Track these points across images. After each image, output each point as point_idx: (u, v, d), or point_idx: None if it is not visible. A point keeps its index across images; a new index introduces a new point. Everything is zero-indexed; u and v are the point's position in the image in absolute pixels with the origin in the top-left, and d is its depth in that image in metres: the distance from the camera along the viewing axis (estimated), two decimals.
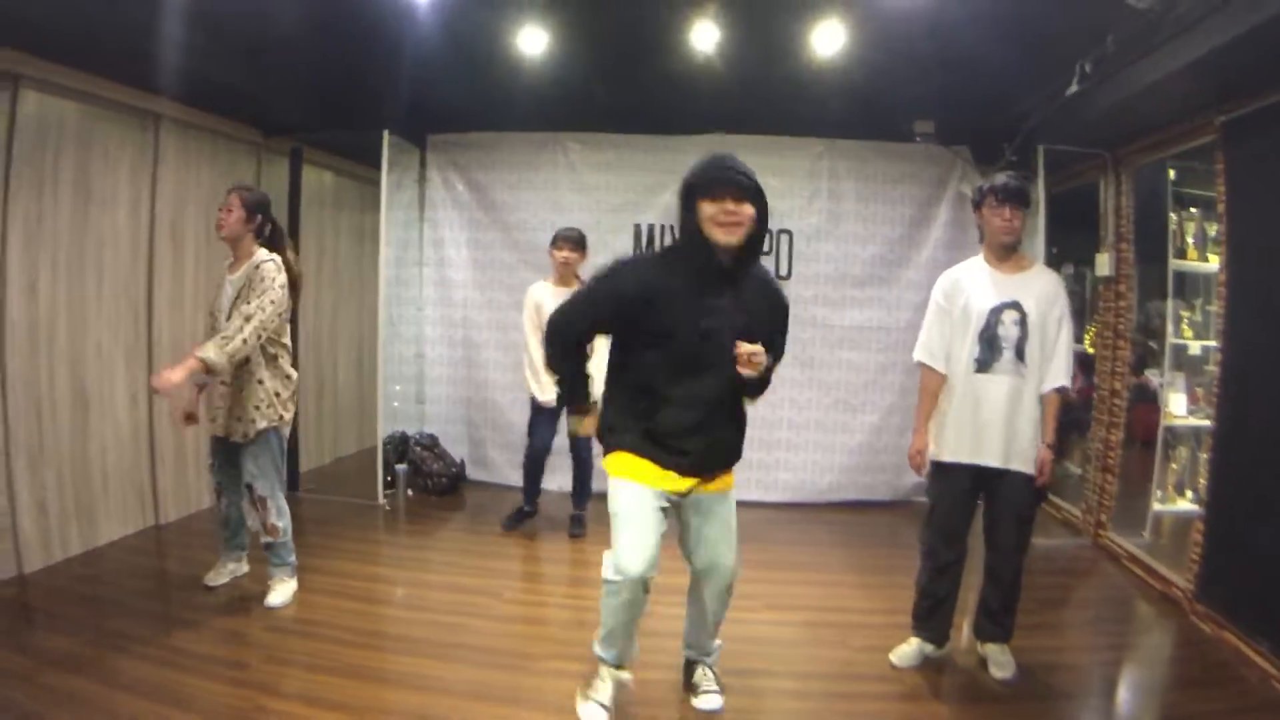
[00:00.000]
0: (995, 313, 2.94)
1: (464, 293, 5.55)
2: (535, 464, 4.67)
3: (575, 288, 4.44)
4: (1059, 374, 2.92)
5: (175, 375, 3.01)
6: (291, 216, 5.20)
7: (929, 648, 3.13)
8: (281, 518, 3.49)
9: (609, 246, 5.33)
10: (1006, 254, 3.00)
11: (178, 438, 4.48)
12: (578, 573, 4.14)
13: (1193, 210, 4.45)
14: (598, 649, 2.64)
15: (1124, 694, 3.15)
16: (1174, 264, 4.29)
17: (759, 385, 2.53)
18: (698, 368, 2.43)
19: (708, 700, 2.76)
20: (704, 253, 2.38)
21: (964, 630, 3.31)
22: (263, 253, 3.40)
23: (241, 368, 3.32)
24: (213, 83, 4.18)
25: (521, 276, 5.34)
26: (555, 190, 5.41)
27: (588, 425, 2.74)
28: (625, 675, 2.68)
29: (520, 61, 4.36)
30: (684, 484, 2.53)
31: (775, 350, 2.53)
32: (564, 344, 2.63)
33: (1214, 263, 4.41)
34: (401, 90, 4.73)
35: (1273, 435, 3.23)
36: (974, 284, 3.00)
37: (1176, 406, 4.36)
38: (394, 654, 3.15)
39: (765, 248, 5.26)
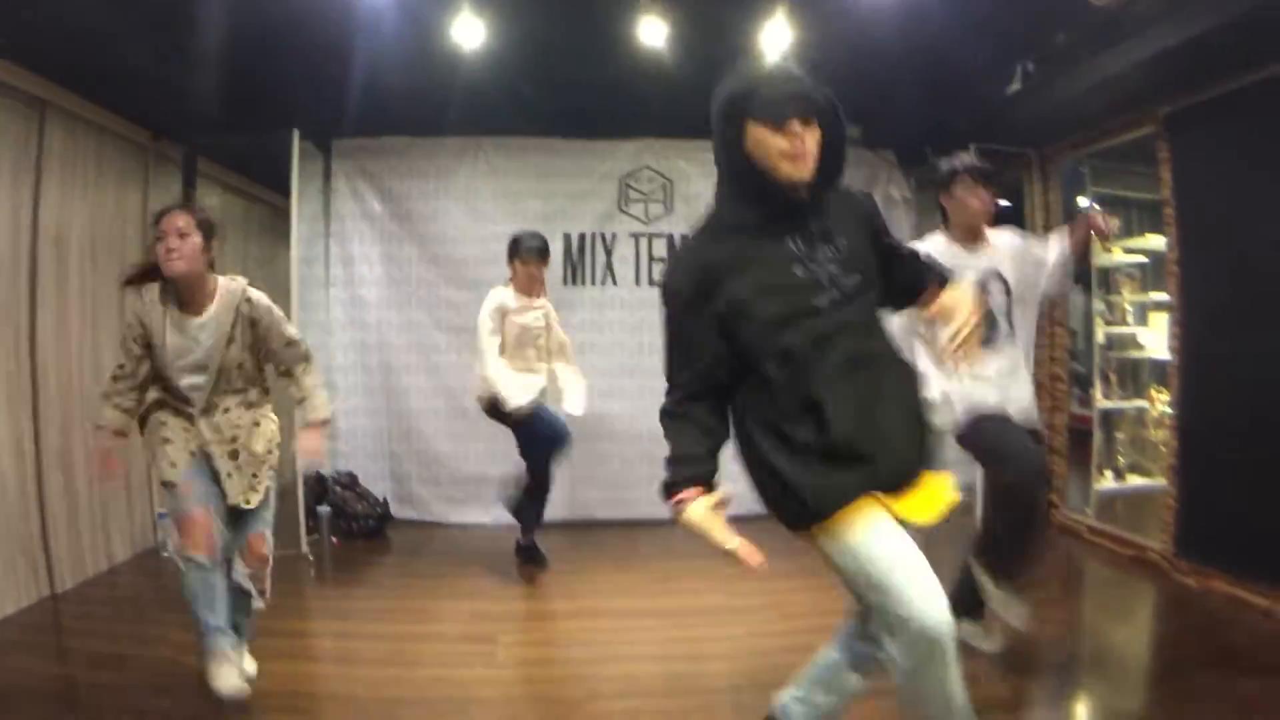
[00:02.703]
0: (983, 285, 2.85)
1: (379, 313, 5.09)
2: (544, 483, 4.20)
3: (542, 299, 4.17)
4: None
5: (319, 444, 2.96)
6: None
7: None
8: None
9: None
10: (976, 234, 2.95)
11: (69, 490, 3.79)
12: (553, 606, 3.89)
13: (1095, 207, 4.82)
14: None
15: (1139, 651, 3.31)
16: (1096, 259, 4.61)
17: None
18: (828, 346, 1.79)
19: None
20: (770, 195, 1.80)
21: None
22: (226, 280, 2.76)
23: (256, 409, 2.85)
24: (106, 64, 3.55)
25: (443, 294, 5.01)
26: (477, 199, 5.08)
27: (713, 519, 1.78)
28: None
29: (437, 59, 4.01)
30: (897, 505, 1.77)
31: (908, 263, 2.01)
32: (691, 412, 1.86)
33: (1118, 255, 4.83)
34: (308, 88, 4.24)
35: (1227, 401, 3.58)
36: (954, 263, 2.82)
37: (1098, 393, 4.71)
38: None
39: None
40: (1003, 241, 2.99)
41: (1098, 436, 4.72)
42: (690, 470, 1.81)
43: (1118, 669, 3.10)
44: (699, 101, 4.72)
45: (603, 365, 5.13)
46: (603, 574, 4.29)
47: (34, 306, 3.63)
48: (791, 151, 1.73)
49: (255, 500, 2.75)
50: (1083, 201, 4.82)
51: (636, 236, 5.22)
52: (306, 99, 4.33)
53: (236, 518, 2.75)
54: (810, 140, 1.75)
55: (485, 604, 3.85)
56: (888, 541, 1.72)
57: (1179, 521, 3.81)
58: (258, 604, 2.87)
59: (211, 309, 2.70)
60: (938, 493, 1.82)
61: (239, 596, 2.76)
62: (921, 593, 1.67)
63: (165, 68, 3.75)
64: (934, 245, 2.92)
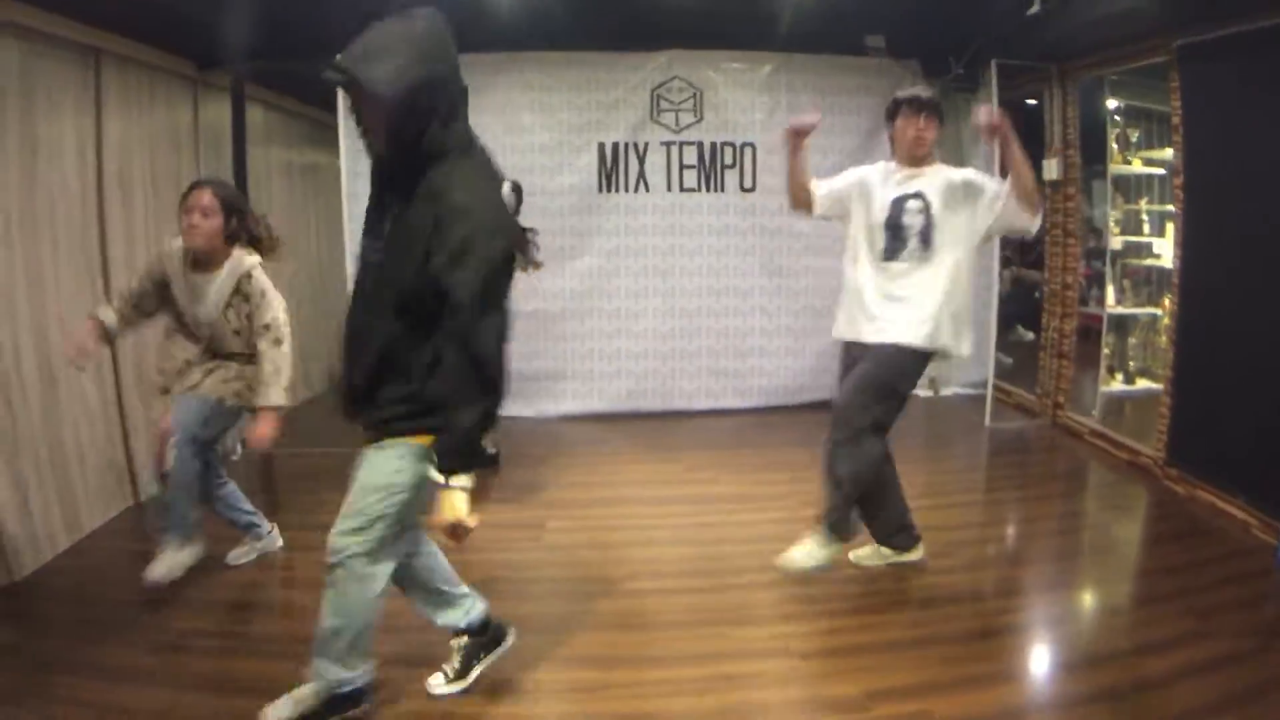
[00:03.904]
0: (898, 203, 2.99)
1: None
2: None
3: None
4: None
5: (269, 431, 2.98)
6: (237, 160, 4.81)
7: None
8: (191, 495, 3.19)
9: (572, 167, 5.32)
10: (917, 161, 3.03)
11: (147, 408, 4.12)
12: (593, 493, 4.22)
13: (1116, 119, 4.90)
14: None
15: (1116, 550, 3.61)
16: (1113, 168, 4.73)
17: None
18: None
19: None
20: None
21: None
22: (240, 254, 3.06)
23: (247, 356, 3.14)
24: (151, 7, 3.71)
25: None
26: (514, 111, 5.24)
27: None
28: None
29: None
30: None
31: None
32: None
33: (1137, 166, 4.93)
34: (346, 8, 4.38)
35: (1226, 319, 3.75)
36: (880, 178, 3.08)
37: (1109, 298, 4.89)
38: None
39: (729, 160, 5.41)
40: (940, 172, 3.03)
41: (1107, 340, 4.93)
42: None
43: (1092, 568, 3.42)
44: (727, 13, 4.85)
45: (635, 267, 5.47)
46: (637, 463, 4.66)
47: (104, 238, 3.91)
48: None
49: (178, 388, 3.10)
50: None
51: (668, 145, 5.39)
52: (344, 21, 4.45)
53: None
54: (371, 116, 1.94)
55: (530, 493, 4.22)
56: None
57: (1171, 429, 4.06)
58: (157, 488, 3.32)
59: (220, 274, 3.03)
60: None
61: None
62: None
63: (206, 4, 3.91)
64: (874, 166, 3.14)
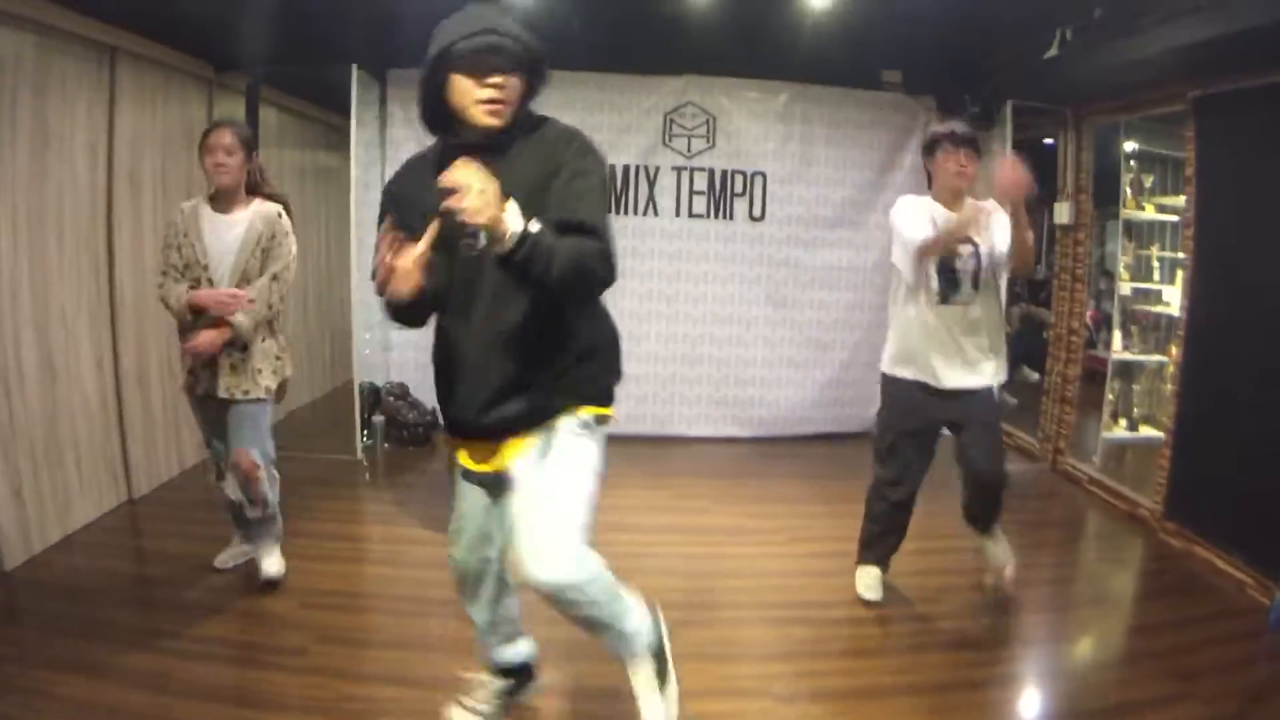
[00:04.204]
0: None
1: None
2: None
3: None
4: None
5: (214, 341, 2.96)
6: (249, 159, 4.79)
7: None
8: (273, 489, 3.24)
9: None
10: (958, 198, 3.01)
11: (146, 403, 4.16)
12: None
13: (1131, 163, 4.88)
14: None
15: (1106, 604, 3.52)
16: (1125, 213, 4.71)
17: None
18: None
19: None
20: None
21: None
22: (260, 201, 3.15)
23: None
24: (170, 8, 3.73)
25: None
26: None
27: None
28: None
29: None
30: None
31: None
32: None
33: (1150, 212, 4.90)
34: (363, 19, 4.42)
35: (1231, 369, 3.70)
36: (926, 218, 3.01)
37: (1115, 343, 4.86)
38: (445, 620, 3.01)
39: (739, 189, 5.40)
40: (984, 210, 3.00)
41: (1112, 386, 4.88)
42: None
43: (1083, 621, 3.34)
44: (741, 40, 4.86)
45: (640, 290, 5.44)
46: (633, 489, 4.57)
47: (110, 237, 3.92)
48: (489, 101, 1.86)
49: (236, 393, 3.05)
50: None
51: (679, 170, 5.37)
52: (361, 31, 4.50)
53: (224, 427, 3.11)
54: (510, 90, 1.88)
55: None
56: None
57: (1171, 482, 4.00)
58: (253, 513, 3.18)
59: (244, 212, 3.10)
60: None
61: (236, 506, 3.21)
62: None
63: (224, 6, 3.91)
64: (920, 203, 3.06)
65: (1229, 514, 3.66)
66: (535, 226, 1.73)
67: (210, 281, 3.03)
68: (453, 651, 2.76)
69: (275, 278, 3.07)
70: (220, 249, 3.06)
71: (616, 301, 5.49)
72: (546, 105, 5.46)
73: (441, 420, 2.12)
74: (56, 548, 3.48)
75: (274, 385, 3.16)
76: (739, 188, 5.39)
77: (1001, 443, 3.19)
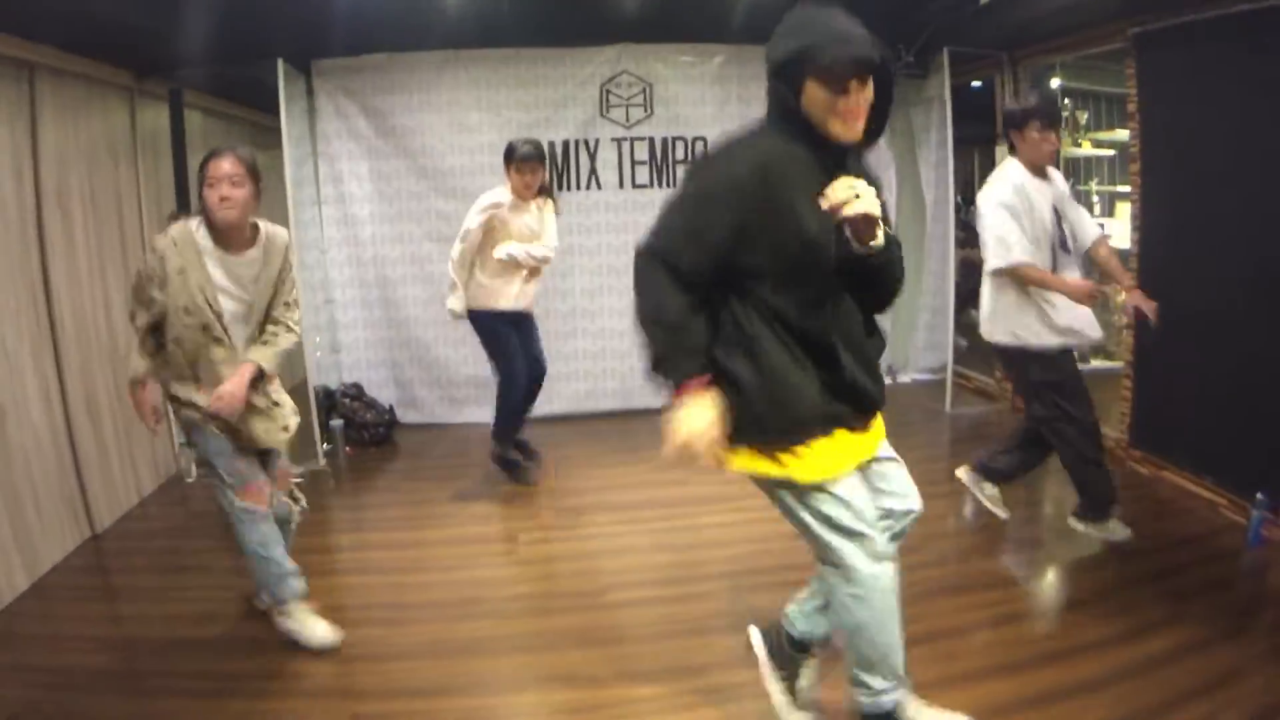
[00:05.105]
0: (1054, 222, 3.20)
1: (372, 229, 5.19)
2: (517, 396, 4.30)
3: (537, 203, 4.14)
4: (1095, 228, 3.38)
5: (239, 390, 2.64)
6: (177, 168, 4.62)
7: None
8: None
9: None
10: (1042, 171, 3.23)
11: (98, 431, 3.93)
12: (562, 501, 4.14)
13: (1065, 102, 4.95)
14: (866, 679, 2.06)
15: (1087, 535, 3.49)
16: (1065, 151, 4.77)
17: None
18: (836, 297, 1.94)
19: None
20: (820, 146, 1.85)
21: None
22: (266, 224, 2.80)
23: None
24: (88, 18, 3.50)
25: (432, 205, 5.16)
26: (459, 111, 5.11)
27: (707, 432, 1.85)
28: None
29: None
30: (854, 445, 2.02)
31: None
32: (674, 286, 1.88)
33: (1087, 148, 4.98)
34: (285, 13, 4.22)
35: (1184, 299, 3.71)
36: (1036, 197, 3.19)
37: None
38: (446, 623, 3.01)
39: (681, 155, 5.34)
40: (1058, 180, 3.29)
41: None
42: (698, 362, 1.88)
43: (1065, 555, 3.40)
44: (672, 5, 4.76)
45: (590, 266, 5.38)
46: (606, 467, 4.57)
47: (45, 261, 3.69)
48: (846, 111, 1.78)
49: (284, 441, 2.89)
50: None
51: (619, 141, 5.29)
52: (284, 24, 4.30)
53: (264, 456, 2.88)
54: (864, 100, 1.80)
55: (492, 505, 4.13)
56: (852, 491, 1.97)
57: (1135, 411, 4.11)
58: (296, 517, 3.05)
59: (255, 251, 2.73)
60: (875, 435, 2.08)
61: (283, 525, 2.96)
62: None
63: (142, 10, 3.67)
64: (1014, 171, 3.23)
65: (1195, 438, 3.77)
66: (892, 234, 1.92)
67: (223, 329, 2.68)
68: (456, 656, 2.75)
69: (287, 305, 2.83)
70: (237, 291, 2.72)
71: (567, 280, 5.49)
72: (479, 85, 5.34)
73: (804, 417, 1.92)
74: (27, 596, 3.27)
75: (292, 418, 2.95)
76: (681, 155, 5.32)
77: None
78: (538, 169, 4.03)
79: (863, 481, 2.03)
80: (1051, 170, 3.28)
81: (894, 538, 2.10)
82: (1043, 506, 3.93)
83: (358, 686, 2.63)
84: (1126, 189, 4.63)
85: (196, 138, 5.17)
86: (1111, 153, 5.00)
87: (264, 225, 2.80)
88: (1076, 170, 5.02)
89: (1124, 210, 4.81)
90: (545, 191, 4.17)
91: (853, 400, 1.96)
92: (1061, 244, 3.21)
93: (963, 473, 3.68)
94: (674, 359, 1.88)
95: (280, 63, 4.35)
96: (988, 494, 3.60)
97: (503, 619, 2.99)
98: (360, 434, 5.03)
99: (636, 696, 2.50)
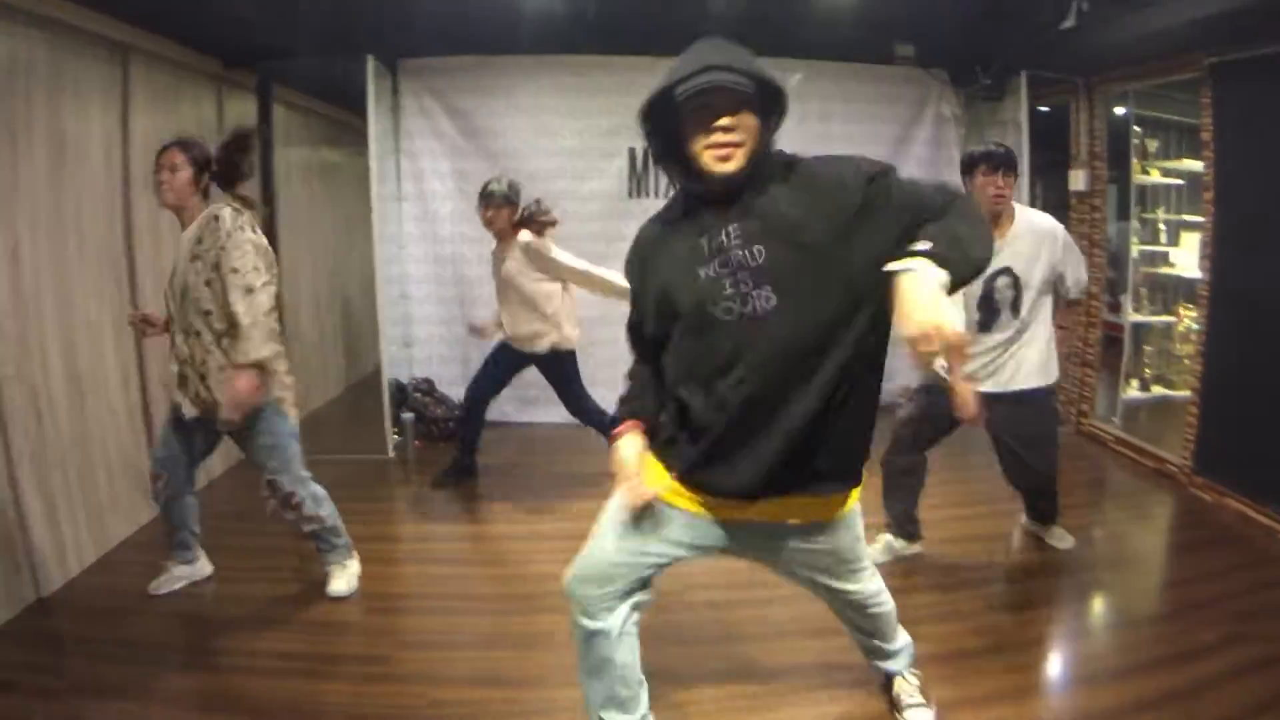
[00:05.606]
0: (990, 281, 3.02)
1: (451, 227, 5.27)
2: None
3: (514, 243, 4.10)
4: (1074, 287, 3.17)
5: (253, 384, 2.78)
6: (263, 160, 4.69)
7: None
8: (321, 506, 3.14)
9: (601, 172, 5.28)
10: (995, 219, 3.02)
11: None
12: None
13: (1137, 129, 5.01)
14: None
15: (1150, 558, 3.67)
16: (1136, 179, 4.85)
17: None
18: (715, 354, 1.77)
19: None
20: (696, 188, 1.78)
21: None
22: (221, 207, 2.85)
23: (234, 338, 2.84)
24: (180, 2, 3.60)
25: None
26: (543, 114, 5.20)
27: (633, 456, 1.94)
28: None
29: None
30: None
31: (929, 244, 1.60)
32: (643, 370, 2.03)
33: (1155, 176, 5.05)
34: (374, 10, 4.31)
35: (1256, 328, 3.85)
36: None
37: (1127, 307, 5.02)
38: (519, 615, 3.04)
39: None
40: (1023, 237, 3.04)
41: (1128, 348, 5.06)
42: (628, 408, 1.99)
43: (1128, 575, 3.43)
44: (759, 19, 4.87)
45: None
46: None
47: (130, 245, 3.79)
48: (713, 145, 1.70)
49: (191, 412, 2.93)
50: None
51: None
52: (373, 21, 4.40)
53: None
54: (741, 132, 1.70)
55: (559, 502, 4.15)
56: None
57: (1200, 438, 4.15)
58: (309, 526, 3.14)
59: (191, 229, 2.88)
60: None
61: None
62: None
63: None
64: None
65: (1260, 466, 3.81)
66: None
67: (169, 308, 2.95)
68: (529, 648, 2.78)
69: (247, 290, 2.75)
70: (175, 276, 2.92)
71: None
72: (566, 90, 5.40)
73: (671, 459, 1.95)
74: (93, 569, 3.37)
75: (293, 411, 3.05)
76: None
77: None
78: (488, 208, 4.02)
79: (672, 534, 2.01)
80: (1023, 220, 3.08)
81: (635, 607, 2.09)
82: (1104, 527, 3.98)
83: (434, 673, 2.68)
84: (1194, 218, 4.73)
85: (278, 131, 5.26)
86: (1180, 182, 5.07)
87: (215, 209, 2.84)
88: (1144, 198, 5.08)
89: (1190, 240, 4.87)
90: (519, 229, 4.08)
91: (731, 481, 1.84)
92: (987, 301, 3.05)
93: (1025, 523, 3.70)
94: (620, 404, 2.04)
95: (370, 59, 4.43)
96: (1056, 536, 3.59)
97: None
98: (430, 428, 5.11)
99: (702, 697, 2.53)
